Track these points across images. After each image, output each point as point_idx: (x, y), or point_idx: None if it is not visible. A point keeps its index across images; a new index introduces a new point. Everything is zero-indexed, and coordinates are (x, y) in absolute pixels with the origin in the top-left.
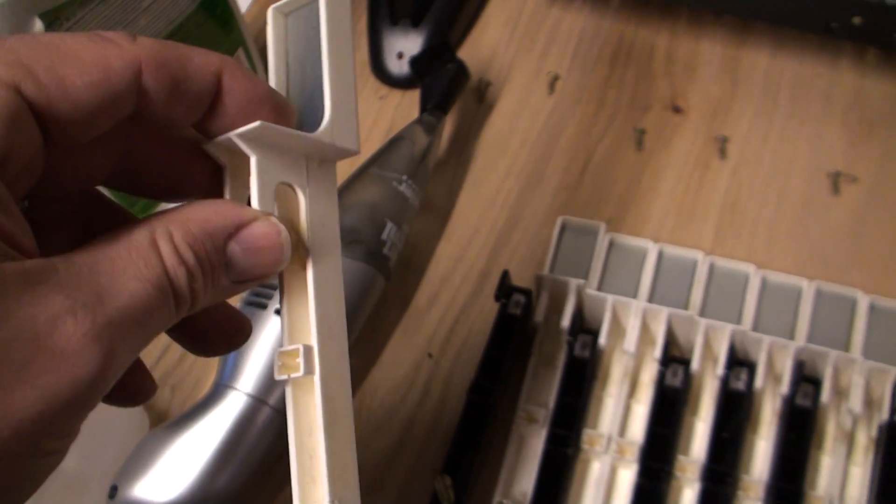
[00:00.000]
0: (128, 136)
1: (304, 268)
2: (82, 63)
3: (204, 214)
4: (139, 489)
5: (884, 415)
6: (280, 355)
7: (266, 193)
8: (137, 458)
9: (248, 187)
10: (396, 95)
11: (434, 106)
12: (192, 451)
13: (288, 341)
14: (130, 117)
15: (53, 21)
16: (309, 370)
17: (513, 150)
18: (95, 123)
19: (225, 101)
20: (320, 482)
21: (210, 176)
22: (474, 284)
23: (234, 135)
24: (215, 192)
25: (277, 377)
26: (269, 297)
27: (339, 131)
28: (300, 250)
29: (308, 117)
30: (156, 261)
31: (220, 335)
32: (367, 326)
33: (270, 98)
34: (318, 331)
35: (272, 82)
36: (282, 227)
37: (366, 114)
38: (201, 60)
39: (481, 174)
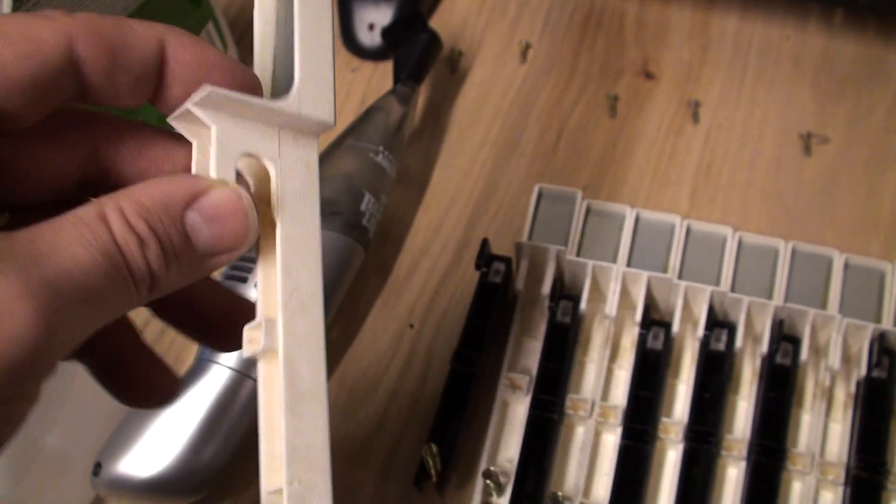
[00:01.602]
0: (89, 133)
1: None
2: (9, 36)
3: (157, 187)
4: (123, 465)
5: (862, 371)
6: (247, 330)
7: (225, 162)
8: (121, 435)
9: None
10: (368, 67)
11: (408, 76)
12: (176, 426)
13: (256, 315)
14: (77, 97)
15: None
16: (270, 345)
17: (487, 120)
18: (35, 100)
19: (174, 71)
20: (280, 462)
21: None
22: (453, 254)
23: (189, 104)
24: None
25: (244, 354)
26: (249, 271)
27: (308, 100)
28: (272, 225)
29: (285, 87)
30: (103, 231)
31: (229, 325)
32: (347, 298)
33: (222, 64)
34: (284, 304)
35: (256, 49)
36: (243, 192)
37: (338, 87)
38: (140, 28)
39: (456, 144)
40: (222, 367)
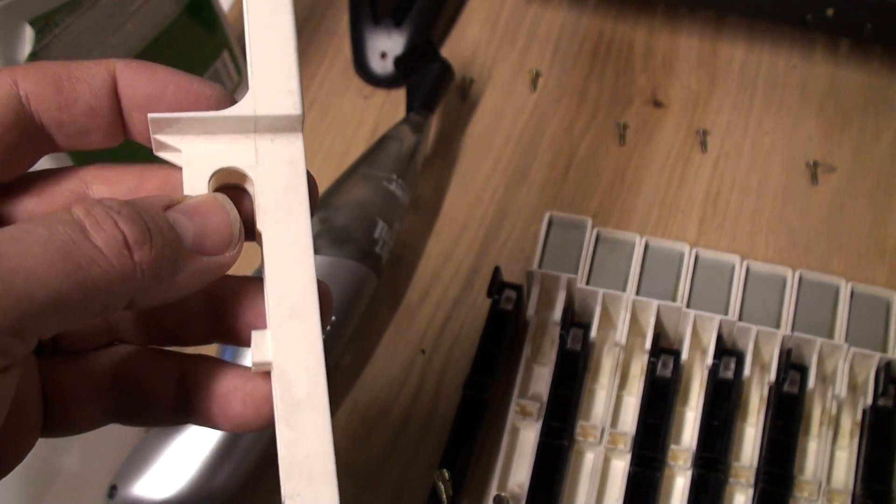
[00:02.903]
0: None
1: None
2: None
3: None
4: (138, 488)
5: (868, 399)
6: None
7: (197, 180)
8: (136, 457)
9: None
10: (381, 95)
11: (420, 105)
12: (191, 449)
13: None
14: (42, 141)
15: (43, 27)
16: (260, 358)
17: (498, 147)
18: None
19: (129, 97)
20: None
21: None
22: (465, 280)
23: (153, 136)
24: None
25: (253, 368)
26: None
27: (264, 99)
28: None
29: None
30: (72, 225)
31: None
32: (359, 324)
33: (175, 81)
34: (273, 312)
35: (249, 56)
36: (219, 195)
37: (350, 114)
38: (88, 63)
39: (468, 171)
40: None
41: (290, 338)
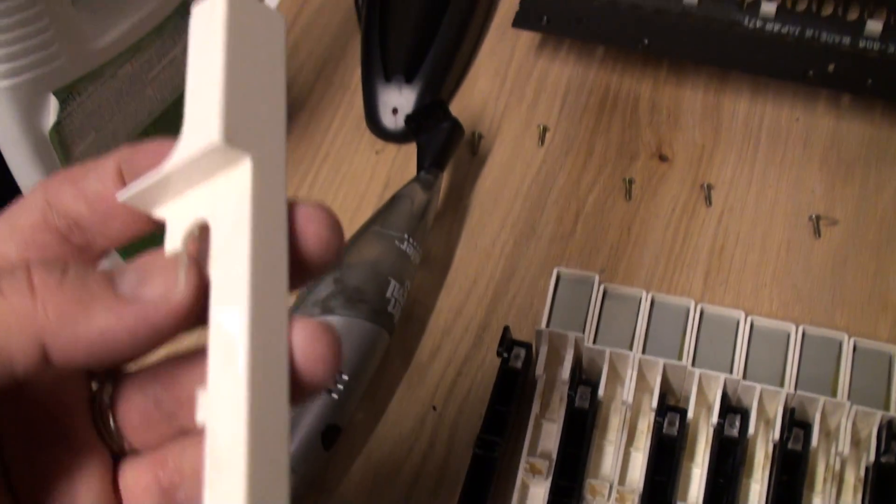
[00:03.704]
0: None
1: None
2: None
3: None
4: None
5: (871, 456)
6: None
7: (172, 245)
8: None
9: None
10: (392, 149)
11: (431, 164)
12: None
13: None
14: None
15: (67, 97)
16: (200, 415)
17: (507, 202)
18: None
19: (131, 178)
20: None
21: None
22: (475, 336)
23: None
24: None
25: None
26: None
27: (195, 137)
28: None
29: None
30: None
31: None
32: (372, 380)
33: (132, 154)
34: (210, 363)
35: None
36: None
37: (362, 169)
38: (102, 157)
39: (477, 226)
40: None
41: (220, 392)
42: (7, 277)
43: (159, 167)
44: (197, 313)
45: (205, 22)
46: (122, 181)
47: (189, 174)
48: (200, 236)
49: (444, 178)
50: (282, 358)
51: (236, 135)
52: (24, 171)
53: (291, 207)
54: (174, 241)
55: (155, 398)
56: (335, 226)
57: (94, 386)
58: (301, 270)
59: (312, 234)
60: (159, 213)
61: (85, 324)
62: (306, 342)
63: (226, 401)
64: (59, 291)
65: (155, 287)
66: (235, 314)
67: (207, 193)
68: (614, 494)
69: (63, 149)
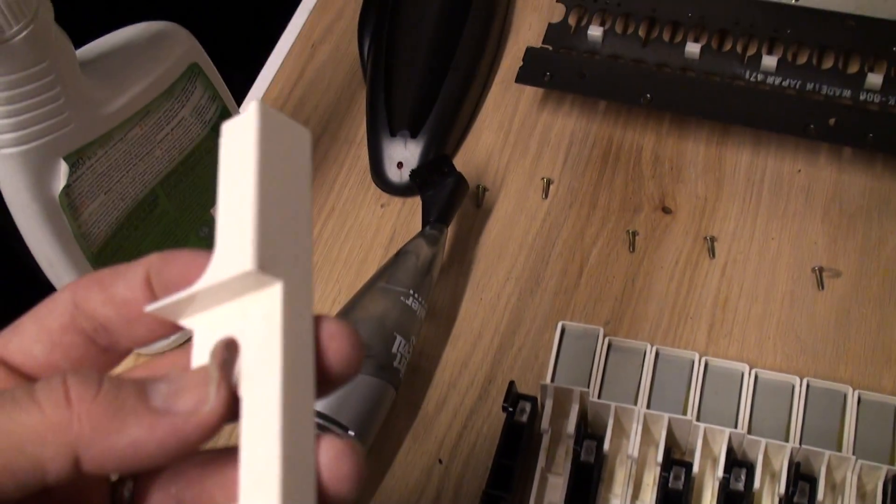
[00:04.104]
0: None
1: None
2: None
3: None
4: None
5: None
6: None
7: (200, 359)
8: None
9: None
10: (397, 203)
11: (436, 219)
12: None
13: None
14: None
15: (76, 161)
16: None
17: (511, 254)
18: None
19: (159, 288)
20: None
21: None
22: (480, 389)
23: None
24: None
25: None
26: None
27: (228, 262)
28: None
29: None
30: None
31: None
32: (378, 433)
33: (196, 261)
34: (243, 484)
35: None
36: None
37: (368, 222)
38: (131, 262)
39: (482, 279)
40: None
41: None
42: (44, 388)
43: (190, 285)
44: (225, 423)
45: (237, 138)
46: (151, 289)
47: (219, 293)
48: (227, 348)
49: (450, 231)
50: (310, 478)
51: (269, 261)
52: (33, 233)
53: (317, 323)
54: (202, 355)
55: (177, 498)
56: (357, 342)
57: (113, 477)
58: (324, 382)
59: (335, 350)
60: (186, 323)
61: (118, 436)
62: (332, 461)
63: None
64: (94, 404)
65: (187, 401)
66: (269, 436)
67: (237, 310)
68: None
69: (72, 210)
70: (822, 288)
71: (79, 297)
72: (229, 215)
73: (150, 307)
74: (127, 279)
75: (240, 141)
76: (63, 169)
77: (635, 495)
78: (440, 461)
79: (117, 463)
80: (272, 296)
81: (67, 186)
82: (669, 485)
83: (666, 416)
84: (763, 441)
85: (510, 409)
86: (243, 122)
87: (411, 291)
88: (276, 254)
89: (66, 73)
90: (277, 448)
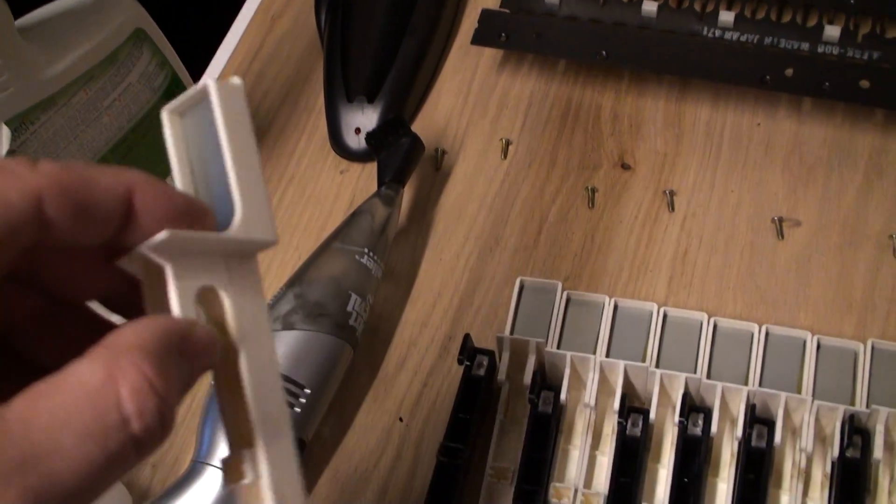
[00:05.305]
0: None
1: (236, 369)
2: None
3: (151, 336)
4: None
5: (835, 451)
6: (225, 462)
7: (186, 301)
8: None
9: (166, 298)
10: (356, 169)
11: (391, 179)
12: None
13: (230, 446)
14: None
15: (19, 126)
16: (254, 476)
17: (471, 215)
18: None
19: (139, 218)
20: None
21: (114, 279)
22: (440, 348)
23: (144, 248)
24: (125, 295)
25: (227, 487)
26: None
27: (252, 225)
28: (231, 353)
29: (219, 215)
30: (112, 403)
31: None
32: (338, 395)
33: (186, 207)
34: (260, 432)
35: (178, 184)
36: (209, 329)
37: (327, 188)
38: (108, 181)
39: (442, 240)
40: (216, 470)
41: (277, 456)
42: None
43: (172, 224)
44: None
45: (228, 99)
46: (131, 212)
47: (225, 247)
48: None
49: (409, 194)
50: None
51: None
52: None
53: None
54: (187, 298)
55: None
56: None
57: None
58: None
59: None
60: (164, 260)
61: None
62: None
63: (281, 462)
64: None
65: (198, 373)
66: (277, 398)
67: (219, 265)
68: (580, 498)
69: None
70: (782, 238)
71: (47, 210)
72: (244, 177)
73: (176, 235)
74: (106, 205)
75: (232, 100)
76: (5, 133)
77: (595, 445)
78: (401, 419)
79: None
80: (254, 266)
81: (11, 152)
82: (627, 432)
83: (622, 363)
84: (719, 385)
85: (467, 363)
86: (231, 83)
87: (366, 250)
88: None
89: (2, 37)
90: (283, 399)
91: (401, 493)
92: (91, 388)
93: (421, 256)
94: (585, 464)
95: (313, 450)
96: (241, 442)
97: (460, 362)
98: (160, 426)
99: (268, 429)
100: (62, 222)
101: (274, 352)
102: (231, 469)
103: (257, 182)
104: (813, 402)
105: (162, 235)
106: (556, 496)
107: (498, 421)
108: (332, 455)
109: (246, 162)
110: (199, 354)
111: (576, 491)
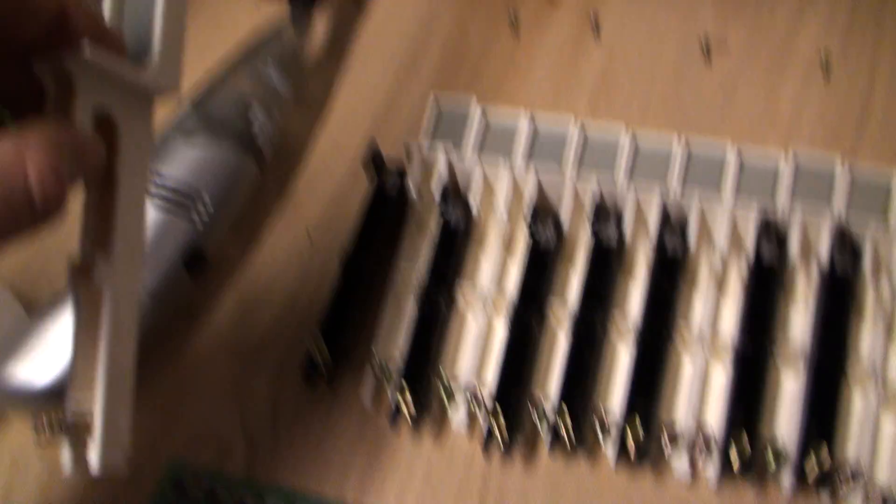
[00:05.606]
0: None
1: (112, 200)
2: None
3: (53, 132)
4: (19, 373)
5: (751, 256)
6: (72, 264)
7: (86, 114)
8: (13, 345)
9: (68, 108)
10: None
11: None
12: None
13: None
14: None
15: None
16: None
17: (390, 43)
18: None
19: (67, 28)
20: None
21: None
22: (354, 172)
23: (64, 55)
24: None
25: (71, 287)
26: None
27: (164, 70)
28: (110, 184)
29: (135, 48)
30: (19, 173)
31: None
32: (246, 215)
33: (107, 35)
34: (120, 244)
35: (106, 14)
36: (100, 142)
37: (243, 22)
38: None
39: (359, 66)
40: None
41: (122, 272)
42: None
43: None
44: None
45: None
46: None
47: (133, 81)
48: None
49: (326, 25)
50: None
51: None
52: None
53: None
54: (85, 112)
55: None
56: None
57: None
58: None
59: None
60: (72, 68)
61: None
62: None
63: (124, 284)
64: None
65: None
66: (136, 225)
67: (120, 96)
68: (489, 302)
69: None
70: (710, 62)
71: None
72: (168, 21)
73: (95, 52)
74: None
75: None
76: None
77: (508, 254)
78: (308, 236)
79: None
80: (149, 103)
81: None
82: (538, 237)
83: (534, 170)
84: (632, 186)
85: (374, 172)
86: None
87: (271, 67)
88: None
89: None
90: (143, 227)
91: (307, 304)
92: (3, 160)
93: (338, 83)
94: (498, 270)
95: (220, 270)
96: (94, 248)
97: (366, 168)
98: (54, 199)
99: (125, 246)
100: (2, 9)
101: (144, 185)
102: (79, 273)
103: (179, 29)
104: (727, 202)
105: (84, 48)
106: (464, 299)
107: (408, 233)
108: (239, 275)
109: (174, 9)
110: (87, 159)
111: (486, 297)
